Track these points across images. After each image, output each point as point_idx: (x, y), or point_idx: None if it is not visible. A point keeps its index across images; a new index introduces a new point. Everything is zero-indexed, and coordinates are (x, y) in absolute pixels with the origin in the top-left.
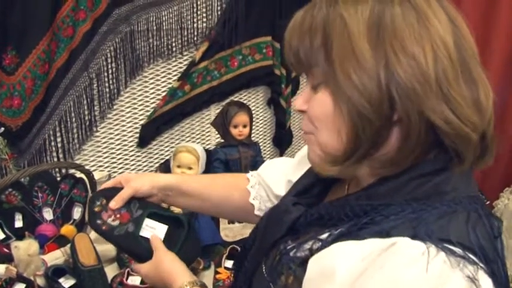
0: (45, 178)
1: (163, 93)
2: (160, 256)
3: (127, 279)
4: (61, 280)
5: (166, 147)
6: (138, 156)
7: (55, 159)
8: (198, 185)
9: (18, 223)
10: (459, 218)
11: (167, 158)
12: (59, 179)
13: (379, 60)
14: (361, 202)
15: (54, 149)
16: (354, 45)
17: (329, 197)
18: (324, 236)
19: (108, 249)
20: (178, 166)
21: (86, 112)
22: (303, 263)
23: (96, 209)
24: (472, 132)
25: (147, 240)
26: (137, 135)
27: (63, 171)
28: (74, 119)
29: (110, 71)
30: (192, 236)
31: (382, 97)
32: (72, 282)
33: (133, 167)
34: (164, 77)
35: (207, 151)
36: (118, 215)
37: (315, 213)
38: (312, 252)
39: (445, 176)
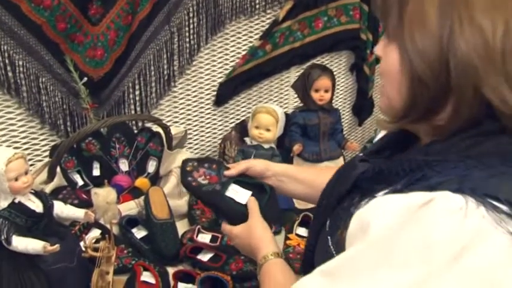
0: (122, 130)
1: (244, 52)
2: (255, 222)
3: (197, 236)
4: (134, 230)
5: (242, 107)
6: (214, 114)
7: (132, 112)
8: (312, 174)
9: (96, 171)
10: None
11: (243, 118)
12: (136, 131)
13: (443, 29)
14: (418, 157)
15: (132, 101)
16: (424, 9)
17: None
18: (380, 193)
19: (180, 204)
20: (257, 127)
21: (165, 66)
22: None
23: (188, 168)
24: None
25: (234, 200)
26: (214, 93)
27: (140, 124)
28: (153, 73)
29: (191, 26)
30: (273, 202)
31: (441, 67)
32: (144, 233)
33: (208, 125)
34: (245, 35)
35: (285, 114)
36: (208, 176)
37: (377, 167)
38: None
39: (504, 138)
